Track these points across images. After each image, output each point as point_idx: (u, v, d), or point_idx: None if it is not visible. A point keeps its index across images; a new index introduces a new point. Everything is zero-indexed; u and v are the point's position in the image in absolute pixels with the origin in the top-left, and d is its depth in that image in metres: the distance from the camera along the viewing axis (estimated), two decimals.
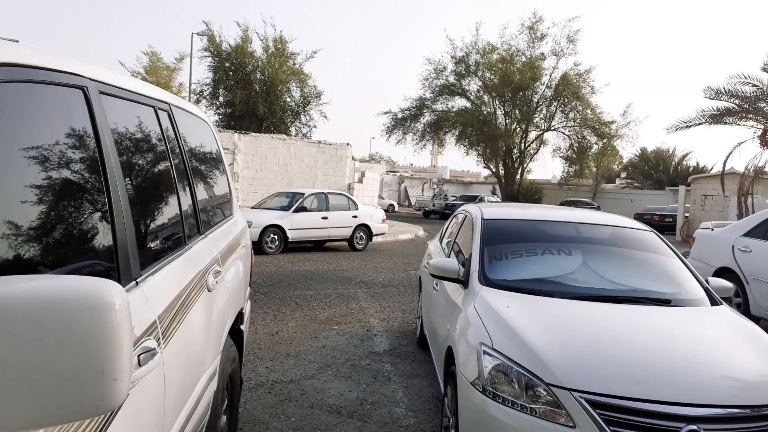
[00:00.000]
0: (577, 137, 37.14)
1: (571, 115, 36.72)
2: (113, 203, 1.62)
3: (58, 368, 0.76)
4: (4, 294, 0.75)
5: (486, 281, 3.86)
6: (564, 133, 37.73)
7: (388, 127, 38.38)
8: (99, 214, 1.55)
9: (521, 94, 35.80)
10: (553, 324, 3.29)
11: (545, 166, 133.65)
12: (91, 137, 1.59)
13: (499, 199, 36.41)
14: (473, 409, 3.03)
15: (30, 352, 0.75)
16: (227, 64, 30.12)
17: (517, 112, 36.68)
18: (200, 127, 3.15)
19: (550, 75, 36.26)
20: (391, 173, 51.97)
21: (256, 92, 29.57)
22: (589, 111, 35.81)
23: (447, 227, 6.31)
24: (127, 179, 1.80)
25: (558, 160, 46.56)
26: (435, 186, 50.47)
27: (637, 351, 3.05)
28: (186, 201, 2.45)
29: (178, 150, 2.50)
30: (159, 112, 2.35)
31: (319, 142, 22.46)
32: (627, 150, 51.60)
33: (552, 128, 37.63)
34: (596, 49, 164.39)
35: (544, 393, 2.83)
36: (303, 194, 14.69)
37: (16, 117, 1.24)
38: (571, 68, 35.91)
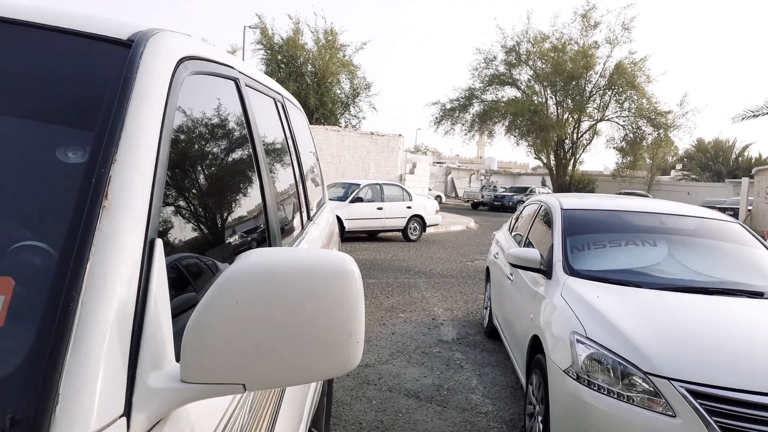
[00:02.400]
0: (632, 127, 36.18)
1: (626, 104, 35.78)
2: (264, 188, 1.73)
3: (318, 330, 0.85)
4: (277, 263, 0.85)
5: (571, 271, 3.87)
6: (618, 123, 36.81)
7: (436, 117, 38.17)
8: (258, 196, 1.66)
9: (574, 83, 35.06)
10: (647, 314, 3.29)
11: (597, 157, 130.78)
12: (245, 127, 1.70)
13: (550, 191, 35.84)
14: (566, 396, 3.07)
15: (300, 315, 0.84)
16: (279, 57, 30.53)
17: (570, 101, 35.94)
18: (300, 116, 3.26)
19: (604, 64, 35.37)
20: (438, 164, 51.76)
21: (307, 84, 29.90)
22: (644, 100, 34.82)
23: (517, 218, 6.31)
24: (265, 166, 1.91)
25: (611, 151, 45.49)
26: (482, 177, 50.05)
27: (737, 342, 3.03)
28: (301, 188, 2.57)
29: (292, 139, 2.61)
30: (277, 103, 2.46)
31: (372, 133, 22.59)
32: (683, 141, 49.98)
33: (605, 118, 36.74)
34: (652, 35, 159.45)
35: (641, 382, 2.84)
36: (359, 185, 14.84)
37: (198, 107, 1.34)
38: (625, 57, 34.95)
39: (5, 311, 0.72)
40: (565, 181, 37.19)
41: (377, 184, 15.37)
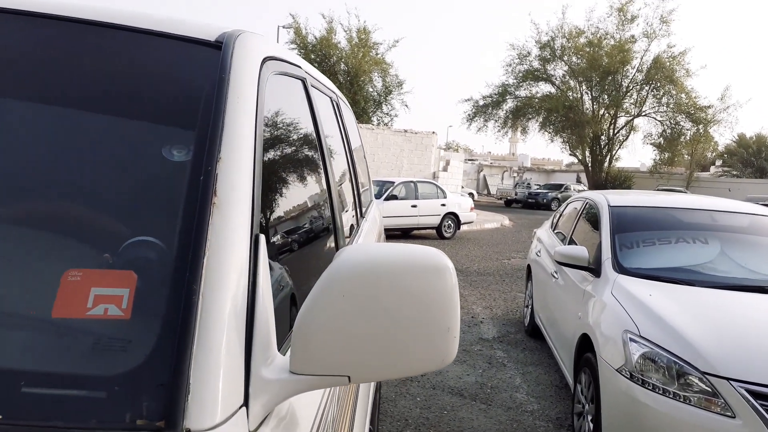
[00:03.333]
0: (670, 123, 35.43)
1: (664, 99, 35.06)
2: (331, 185, 1.75)
3: (418, 325, 0.86)
4: (379, 258, 0.86)
5: (620, 269, 3.82)
6: (656, 119, 36.09)
7: (468, 114, 38.00)
8: (326, 194, 1.69)
9: (610, 78, 34.49)
10: (701, 313, 3.23)
11: (634, 153, 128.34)
12: (313, 126, 1.73)
13: (585, 188, 35.32)
14: (619, 395, 3.04)
15: (402, 309, 0.85)
16: (312, 56, 30.75)
17: (606, 97, 35.37)
18: (350, 114, 3.29)
19: (642, 58, 34.72)
20: (470, 161, 51.47)
21: (340, 83, 30.05)
22: (683, 95, 34.05)
23: (560, 215, 6.24)
24: (330, 164, 1.94)
25: (648, 147, 44.57)
26: (515, 174, 49.59)
27: None
28: (355, 185, 2.59)
29: (345, 137, 2.64)
30: (333, 101, 2.48)
31: (405, 131, 22.59)
32: (724, 136, 48.66)
33: (643, 114, 36.05)
34: (692, 28, 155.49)
35: (698, 381, 2.79)
36: (393, 183, 14.86)
37: (278, 106, 1.37)
38: (664, 50, 34.28)
39: (131, 304, 0.76)
40: (600, 177, 36.60)
41: (411, 181, 15.36)
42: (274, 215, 1.16)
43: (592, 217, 4.84)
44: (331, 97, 2.44)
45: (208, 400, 0.69)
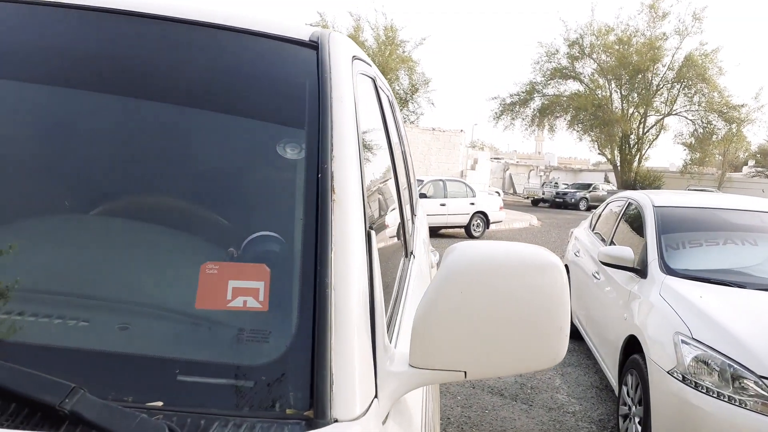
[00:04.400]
0: (702, 122, 34.78)
1: (696, 98, 34.43)
2: (399, 182, 1.77)
3: (532, 322, 0.87)
4: (494, 255, 0.87)
5: (668, 270, 3.77)
6: (687, 118, 35.45)
7: (495, 112, 37.79)
8: (395, 191, 1.71)
9: (640, 76, 33.99)
10: (755, 315, 3.18)
11: (665, 153, 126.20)
12: (383, 124, 1.75)
13: (614, 187, 34.86)
14: (670, 398, 3.00)
15: (517, 306, 0.86)
16: None
17: (635, 95, 34.88)
18: (399, 113, 3.31)
19: (673, 56, 34.16)
20: (496, 160, 51.13)
21: None
22: (715, 94, 33.40)
23: (599, 215, 6.18)
24: (397, 162, 1.96)
25: (678, 146, 43.79)
26: (542, 173, 49.15)
27: None
28: (411, 182, 2.61)
29: (399, 135, 2.66)
30: (389, 99, 2.50)
31: (433, 129, 22.56)
32: (758, 135, 47.59)
33: (674, 112, 35.44)
34: (726, 25, 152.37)
35: (754, 385, 2.75)
36: (422, 181, 14.84)
37: (362, 105, 1.38)
38: (696, 48, 33.65)
39: (267, 296, 0.78)
40: (629, 177, 36.10)
41: (440, 180, 15.33)
42: (369, 212, 1.18)
43: (634, 217, 4.78)
44: (388, 96, 2.45)
45: (350, 392, 0.71)
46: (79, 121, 0.98)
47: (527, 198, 37.91)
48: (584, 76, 36.34)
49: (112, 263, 0.83)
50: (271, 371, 0.71)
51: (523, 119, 37.64)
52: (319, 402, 0.69)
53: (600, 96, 35.14)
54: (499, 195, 32.44)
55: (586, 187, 33.69)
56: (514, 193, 45.77)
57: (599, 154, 39.24)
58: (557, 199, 32.64)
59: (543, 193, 35.08)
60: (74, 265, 0.83)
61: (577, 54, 35.61)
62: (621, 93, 35.44)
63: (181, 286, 0.81)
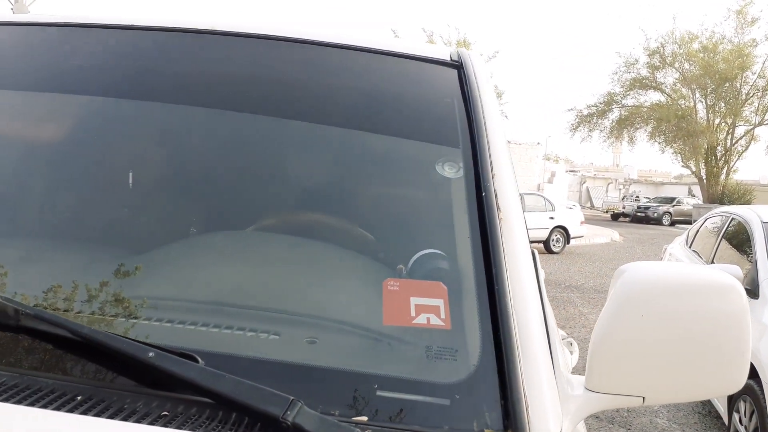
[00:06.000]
0: None
1: None
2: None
3: (714, 347, 0.84)
4: (672, 278, 0.85)
5: None
6: None
7: (572, 124, 36.83)
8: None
9: (727, 85, 32.24)
10: None
11: (756, 165, 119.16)
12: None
13: (699, 201, 33.17)
14: None
15: (698, 330, 0.83)
16: None
17: (722, 105, 33.11)
18: None
19: (764, 63, 32.20)
20: (571, 173, 49.78)
21: None
22: None
23: (696, 231, 5.89)
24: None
25: None
26: (621, 186, 47.43)
27: None
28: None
29: None
30: None
31: (509, 142, 22.26)
32: None
33: (765, 122, 33.39)
34: None
35: None
36: None
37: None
38: None
39: (448, 314, 0.79)
40: (716, 191, 34.19)
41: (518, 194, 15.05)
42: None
43: (738, 234, 4.53)
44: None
45: (544, 413, 0.71)
46: (255, 144, 1.04)
47: (606, 212, 36.67)
48: (666, 86, 34.89)
49: (293, 279, 0.87)
50: (463, 389, 0.72)
51: (601, 131, 36.50)
52: (517, 422, 0.69)
53: (683, 106, 33.61)
54: (577, 209, 31.56)
55: (670, 201, 32.25)
56: (592, 206, 44.35)
57: (683, 166, 37.45)
58: (639, 214, 31.41)
59: (623, 207, 33.86)
60: (261, 281, 0.87)
61: (658, 63, 34.25)
62: (706, 103, 33.74)
63: (362, 302, 0.83)
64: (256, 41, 1.18)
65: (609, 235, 19.75)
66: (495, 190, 0.90)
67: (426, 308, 0.79)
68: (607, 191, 47.15)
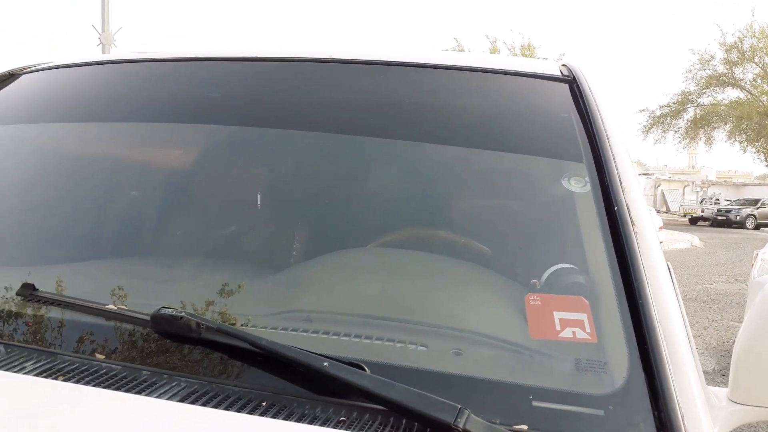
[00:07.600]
0: None
1: None
2: None
3: None
4: None
5: None
6: None
7: (644, 126, 35.59)
8: None
9: None
10: None
11: None
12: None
13: None
14: None
15: None
16: None
17: None
18: None
19: None
20: (644, 175, 47.92)
21: None
22: None
23: None
24: None
25: None
26: (699, 189, 45.29)
27: None
28: None
29: None
30: None
31: None
32: None
33: None
34: None
35: None
36: None
37: None
38: None
39: (593, 328, 0.81)
40: None
41: None
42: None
43: None
44: None
45: (697, 425, 0.72)
46: (391, 166, 1.10)
47: (684, 216, 35.12)
48: (745, 82, 33.19)
49: (435, 293, 0.92)
50: (617, 400, 0.74)
51: (676, 131, 35.09)
52: None
53: (766, 103, 31.86)
54: (654, 214, 30.29)
55: (753, 203, 30.53)
56: (668, 210, 42.52)
57: (767, 166, 35.46)
58: (719, 217, 29.92)
59: (702, 211, 32.32)
60: (406, 294, 0.93)
61: (736, 59, 32.64)
62: None
63: (503, 315, 0.87)
64: (372, 67, 1.25)
65: (689, 240, 18.92)
66: (627, 204, 0.92)
67: (570, 322, 0.82)
68: (683, 194, 45.13)
